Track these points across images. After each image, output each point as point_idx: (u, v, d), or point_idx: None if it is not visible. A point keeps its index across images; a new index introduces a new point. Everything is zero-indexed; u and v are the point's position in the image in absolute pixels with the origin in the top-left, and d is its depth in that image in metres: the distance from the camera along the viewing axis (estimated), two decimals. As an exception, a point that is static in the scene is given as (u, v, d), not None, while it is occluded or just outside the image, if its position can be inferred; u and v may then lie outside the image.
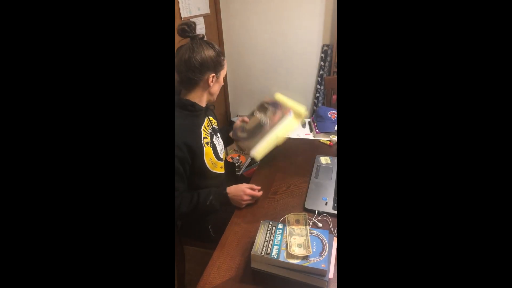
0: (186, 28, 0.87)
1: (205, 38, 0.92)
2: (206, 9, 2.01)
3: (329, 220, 0.88)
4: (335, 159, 1.15)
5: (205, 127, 0.98)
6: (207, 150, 0.95)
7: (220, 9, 2.19)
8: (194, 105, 0.93)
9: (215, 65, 0.90)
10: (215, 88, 0.96)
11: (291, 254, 0.67)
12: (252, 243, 0.72)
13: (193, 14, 1.85)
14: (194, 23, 0.89)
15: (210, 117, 1.05)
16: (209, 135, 0.99)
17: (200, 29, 1.95)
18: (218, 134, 1.07)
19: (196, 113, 0.94)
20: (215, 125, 1.08)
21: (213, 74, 0.91)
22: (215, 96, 0.99)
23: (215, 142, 1.02)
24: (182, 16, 1.73)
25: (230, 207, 0.94)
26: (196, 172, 0.94)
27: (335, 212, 0.89)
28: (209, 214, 0.94)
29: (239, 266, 0.74)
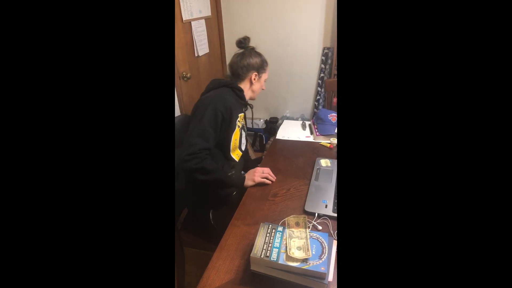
0: (242, 41, 1.17)
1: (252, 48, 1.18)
2: (207, 12, 2.03)
3: (329, 223, 0.88)
4: (335, 161, 1.16)
5: (241, 117, 1.15)
6: (237, 131, 1.12)
7: (221, 11, 2.20)
8: (242, 91, 1.15)
9: (258, 68, 1.16)
10: (257, 86, 1.19)
11: (291, 256, 0.67)
12: (251, 246, 0.72)
13: (195, 16, 1.86)
14: (249, 38, 1.18)
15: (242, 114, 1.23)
16: (241, 124, 1.15)
17: (202, 31, 1.96)
18: (243, 132, 1.22)
19: (241, 100, 1.16)
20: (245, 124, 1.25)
21: (256, 73, 1.16)
22: (255, 95, 1.22)
23: (242, 132, 1.18)
24: (184, 19, 1.73)
25: (242, 188, 1.08)
26: (220, 143, 1.07)
27: (335, 215, 0.89)
28: (221, 187, 1.08)
29: (239, 268, 0.74)
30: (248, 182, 1.08)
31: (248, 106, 1.25)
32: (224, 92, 1.10)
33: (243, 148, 1.20)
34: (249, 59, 1.14)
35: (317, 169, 1.13)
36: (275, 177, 1.10)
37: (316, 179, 1.07)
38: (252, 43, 1.15)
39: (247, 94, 1.20)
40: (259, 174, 1.08)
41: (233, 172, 1.08)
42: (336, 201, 0.95)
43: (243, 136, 1.19)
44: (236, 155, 1.16)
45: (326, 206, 0.93)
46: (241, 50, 1.18)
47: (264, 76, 1.20)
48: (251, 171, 1.10)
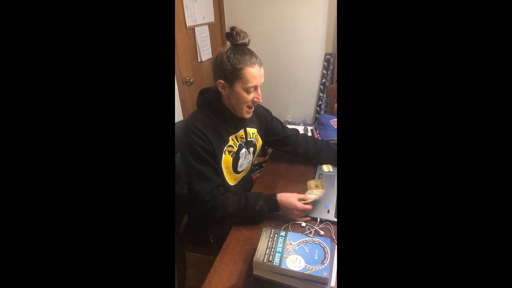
0: (230, 34, 0.86)
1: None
2: (210, 18, 2.05)
3: (331, 228, 0.88)
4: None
5: (236, 136, 0.98)
6: (226, 158, 0.95)
7: (224, 17, 2.23)
8: (223, 112, 0.94)
9: (226, 74, 0.86)
10: (233, 98, 0.90)
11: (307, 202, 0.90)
12: (254, 250, 0.73)
13: (198, 22, 1.88)
14: (239, 30, 0.86)
15: (250, 129, 1.03)
16: (237, 145, 0.98)
17: (205, 37, 1.98)
18: (250, 148, 1.04)
19: (227, 121, 0.95)
20: (254, 139, 1.05)
21: (221, 81, 0.88)
22: (239, 109, 0.92)
23: (240, 155, 1.00)
24: (188, 25, 1.76)
25: (278, 213, 0.93)
26: None
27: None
28: (255, 218, 0.92)
29: (241, 273, 0.75)
30: (283, 212, 0.92)
31: (245, 122, 1.00)
32: (196, 117, 0.92)
33: (239, 169, 1.03)
34: (218, 61, 0.87)
35: (319, 174, 1.13)
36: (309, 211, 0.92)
37: None
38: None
39: (231, 107, 0.94)
40: (297, 214, 0.91)
41: (261, 203, 0.90)
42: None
43: (241, 158, 1.01)
44: (233, 180, 1.02)
45: (328, 211, 0.94)
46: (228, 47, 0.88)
47: (243, 83, 0.86)
48: (287, 204, 0.90)
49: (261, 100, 0.91)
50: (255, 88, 0.88)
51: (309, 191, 0.95)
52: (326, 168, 1.17)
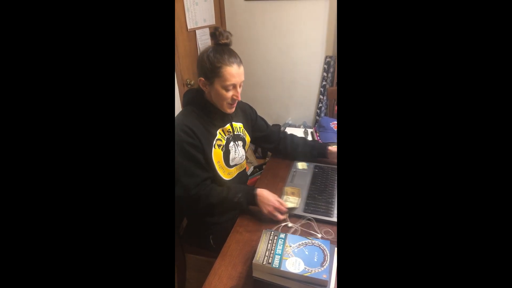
0: (213, 33, 0.93)
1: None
2: (211, 21, 2.06)
3: (331, 231, 0.88)
4: (312, 165, 1.19)
5: (223, 130, 1.02)
6: (216, 152, 0.98)
7: (225, 20, 2.23)
8: (207, 107, 0.99)
9: (206, 72, 0.91)
10: (214, 95, 0.94)
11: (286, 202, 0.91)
12: (254, 252, 0.73)
13: (199, 25, 1.89)
14: (222, 30, 0.92)
15: (236, 123, 1.07)
16: (225, 139, 1.02)
17: (206, 39, 1.99)
18: (238, 142, 1.07)
19: (212, 115, 0.99)
20: (242, 133, 1.09)
21: (202, 79, 0.93)
22: (218, 106, 0.97)
23: (230, 148, 1.03)
24: (189, 27, 1.77)
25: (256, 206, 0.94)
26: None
27: (306, 215, 0.92)
28: (235, 210, 0.98)
29: (241, 275, 0.74)
30: (260, 207, 0.92)
31: (230, 116, 1.04)
32: (183, 114, 0.97)
33: (231, 164, 1.05)
34: (200, 60, 0.93)
35: (293, 171, 1.15)
36: (285, 212, 0.91)
37: (292, 181, 1.09)
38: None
39: (215, 103, 0.98)
40: (271, 211, 0.90)
41: (240, 196, 0.93)
42: (308, 201, 0.98)
43: (232, 151, 1.03)
44: (227, 174, 1.03)
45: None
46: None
47: (221, 82, 0.90)
48: (265, 199, 0.91)
49: (239, 98, 0.95)
50: (234, 86, 0.93)
51: (285, 197, 0.94)
52: (301, 165, 1.19)
